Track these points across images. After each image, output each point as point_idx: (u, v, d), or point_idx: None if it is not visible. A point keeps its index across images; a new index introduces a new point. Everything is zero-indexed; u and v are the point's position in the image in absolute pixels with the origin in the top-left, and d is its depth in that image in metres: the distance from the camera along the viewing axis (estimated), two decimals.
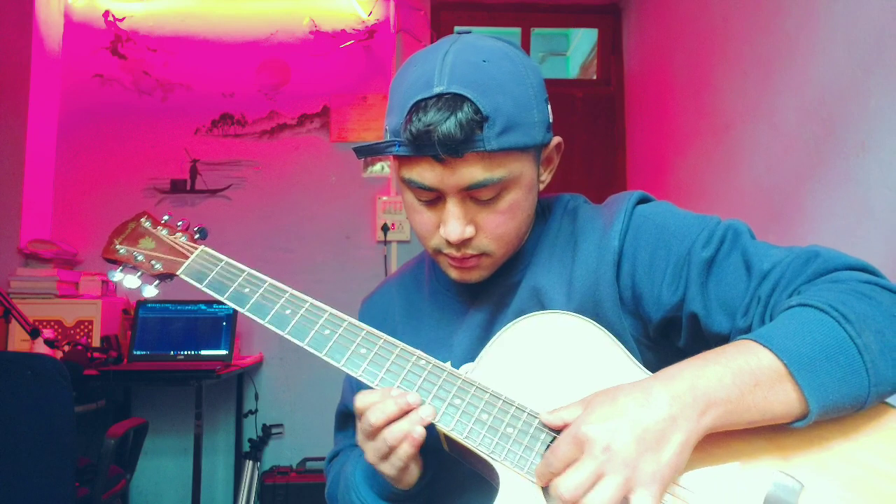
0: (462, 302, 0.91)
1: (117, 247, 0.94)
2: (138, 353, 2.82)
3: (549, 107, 0.83)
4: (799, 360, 0.63)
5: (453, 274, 0.85)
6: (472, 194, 0.78)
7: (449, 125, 0.72)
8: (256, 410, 3.18)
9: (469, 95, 0.73)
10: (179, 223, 0.95)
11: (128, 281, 0.93)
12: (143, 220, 0.96)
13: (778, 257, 0.75)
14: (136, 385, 3.06)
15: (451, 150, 0.73)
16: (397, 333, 0.93)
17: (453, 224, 0.78)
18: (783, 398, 0.63)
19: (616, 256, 0.81)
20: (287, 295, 0.83)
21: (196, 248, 0.91)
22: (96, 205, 3.21)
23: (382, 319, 0.97)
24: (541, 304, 0.84)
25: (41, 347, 2.36)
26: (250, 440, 3.15)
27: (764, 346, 0.64)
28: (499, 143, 0.74)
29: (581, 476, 0.61)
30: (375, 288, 1.04)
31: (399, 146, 0.76)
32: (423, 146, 0.74)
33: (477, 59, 0.76)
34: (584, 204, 0.92)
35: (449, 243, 0.80)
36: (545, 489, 0.68)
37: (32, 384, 1.83)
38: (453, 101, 0.73)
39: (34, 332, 2.38)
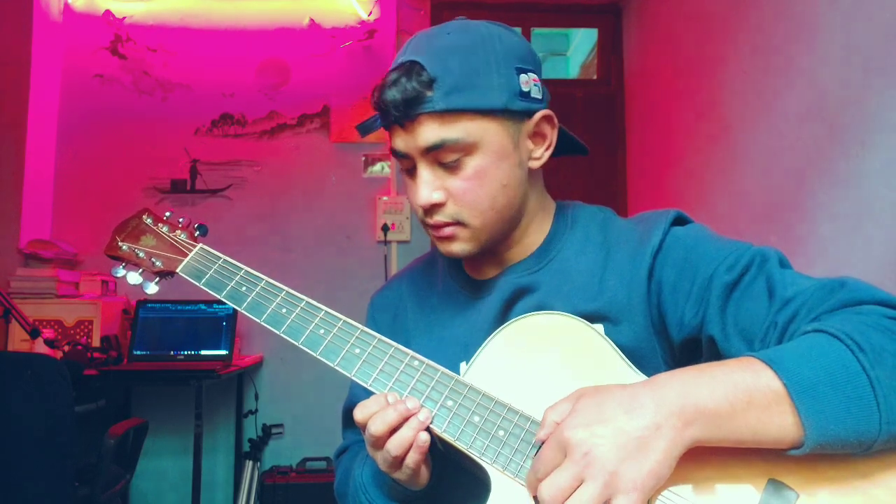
0: (474, 300, 0.90)
1: (119, 244, 0.95)
2: (138, 353, 2.82)
3: (529, 77, 0.81)
4: (800, 384, 0.60)
5: (440, 247, 0.87)
6: (437, 158, 0.80)
7: (392, 89, 0.77)
8: (256, 410, 3.18)
9: (419, 60, 0.77)
10: (181, 220, 0.96)
11: (130, 278, 0.94)
12: (144, 216, 0.97)
13: (803, 286, 0.72)
14: (136, 385, 3.06)
15: (402, 113, 0.77)
16: (409, 330, 0.93)
17: (419, 188, 0.81)
18: (778, 421, 0.60)
19: (647, 274, 0.81)
20: (283, 293, 0.84)
21: (195, 246, 0.91)
22: (96, 205, 3.20)
23: (394, 315, 0.97)
24: (556, 304, 0.83)
25: (41, 347, 2.36)
26: (250, 440, 3.15)
27: (766, 364, 0.62)
28: (446, 102, 0.77)
29: (561, 480, 0.60)
30: (385, 283, 1.04)
31: (379, 120, 0.82)
32: (385, 115, 0.80)
33: (441, 32, 0.82)
34: (614, 216, 0.92)
35: (425, 212, 0.83)
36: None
37: (32, 384, 1.83)
38: (405, 67, 0.78)
39: (34, 332, 2.38)
